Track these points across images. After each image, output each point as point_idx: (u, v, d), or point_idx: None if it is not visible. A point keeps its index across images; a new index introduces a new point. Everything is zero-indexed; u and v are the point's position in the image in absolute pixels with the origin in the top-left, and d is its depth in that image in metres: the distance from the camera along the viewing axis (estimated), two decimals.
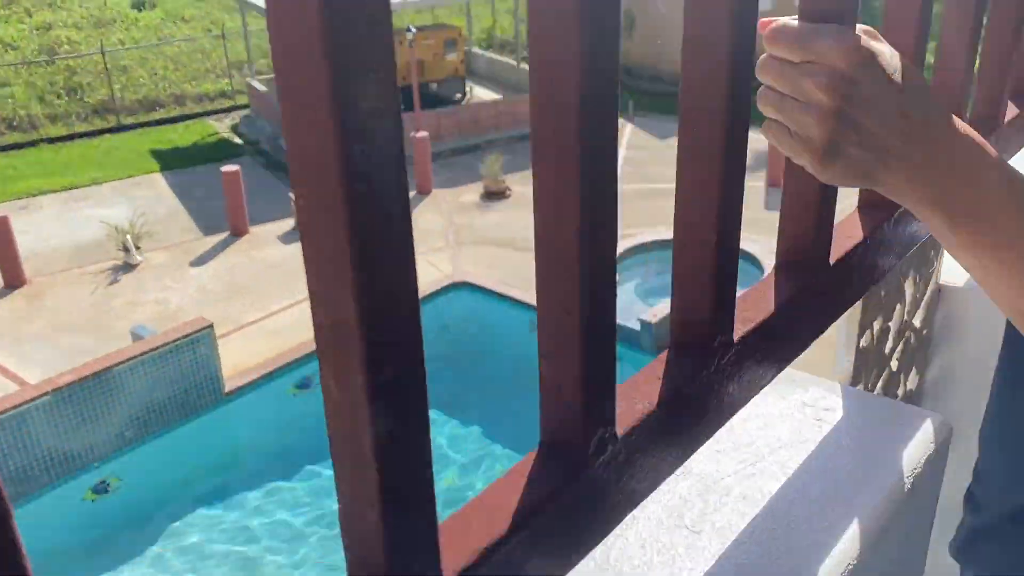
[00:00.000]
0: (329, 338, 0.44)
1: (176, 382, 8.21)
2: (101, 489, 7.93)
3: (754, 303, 0.83)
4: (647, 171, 14.11)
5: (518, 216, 12.58)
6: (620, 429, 0.65)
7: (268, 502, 7.72)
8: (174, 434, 8.21)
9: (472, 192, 13.54)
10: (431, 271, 10.82)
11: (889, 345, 1.16)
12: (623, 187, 13.42)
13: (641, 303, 9.64)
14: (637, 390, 0.69)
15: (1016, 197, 0.75)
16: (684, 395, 0.72)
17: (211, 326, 8.32)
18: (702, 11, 0.64)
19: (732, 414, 0.80)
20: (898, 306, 1.14)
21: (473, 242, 11.74)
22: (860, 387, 1.14)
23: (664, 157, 14.85)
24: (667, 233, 10.98)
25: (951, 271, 1.26)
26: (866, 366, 1.12)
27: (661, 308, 9.00)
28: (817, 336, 0.93)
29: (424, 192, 13.54)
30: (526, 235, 12.19)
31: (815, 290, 0.88)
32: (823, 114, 0.73)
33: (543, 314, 0.60)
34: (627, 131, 16.34)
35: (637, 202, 12.74)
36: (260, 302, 10.19)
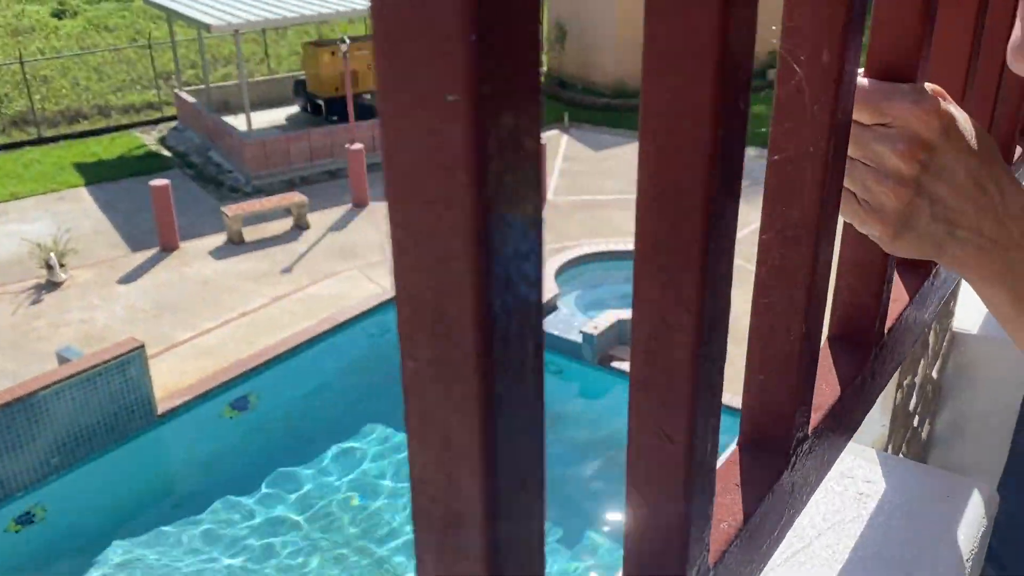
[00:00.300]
0: (439, 532, 0.34)
1: (105, 406, 7.87)
2: (26, 520, 7.55)
3: (819, 386, 0.75)
4: (584, 183, 14.15)
5: None
6: (712, 557, 0.57)
7: (205, 527, 7.44)
8: (104, 460, 7.87)
9: None
10: (370, 287, 10.65)
11: (913, 402, 1.11)
12: (560, 199, 13.44)
13: (582, 315, 9.63)
14: (717, 505, 0.61)
15: None
16: (769, 504, 0.64)
17: (142, 347, 8.01)
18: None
19: (803, 509, 0.73)
20: (922, 360, 1.09)
21: None
22: (891, 450, 1.09)
23: (600, 169, 14.92)
24: (605, 245, 11.03)
25: (964, 318, 1.22)
26: (895, 427, 1.07)
27: (602, 320, 8.99)
28: (871, 409, 0.87)
29: (360, 205, 13.34)
30: None
31: (873, 363, 0.81)
32: (899, 183, 0.67)
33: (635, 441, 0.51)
34: (563, 143, 16.39)
35: (575, 214, 12.76)
36: (192, 320, 9.87)
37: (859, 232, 0.72)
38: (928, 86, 0.69)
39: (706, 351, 0.48)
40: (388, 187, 0.30)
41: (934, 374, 1.16)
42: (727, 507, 0.61)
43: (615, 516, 7.36)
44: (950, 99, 0.70)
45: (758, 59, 20.57)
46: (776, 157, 0.55)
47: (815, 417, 0.71)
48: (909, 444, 1.13)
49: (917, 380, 1.10)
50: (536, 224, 0.31)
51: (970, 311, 1.21)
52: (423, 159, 0.29)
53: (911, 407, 1.11)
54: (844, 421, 0.78)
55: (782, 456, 0.66)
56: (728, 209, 0.45)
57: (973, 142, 0.69)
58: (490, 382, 0.31)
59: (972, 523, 0.91)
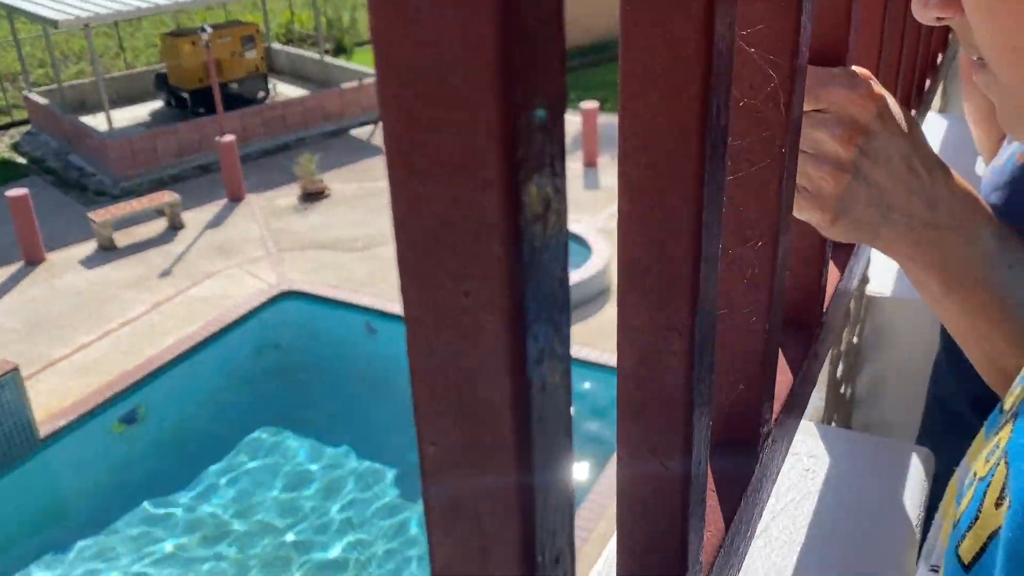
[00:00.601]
0: None
1: None
2: None
3: (777, 377, 0.75)
4: None
5: (340, 215, 12.23)
6: (703, 572, 0.55)
7: (103, 549, 7.10)
8: None
9: (288, 194, 13.04)
10: (253, 283, 10.34)
11: (840, 369, 1.13)
12: None
13: None
14: None
15: (1007, 254, 0.72)
16: (744, 506, 0.63)
17: (15, 368, 7.54)
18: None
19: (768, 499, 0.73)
20: (846, 329, 1.11)
21: (295, 247, 11.31)
22: (826, 420, 1.11)
23: None
24: None
25: (877, 282, 1.25)
26: (828, 397, 1.09)
27: None
28: (814, 387, 0.88)
29: (236, 199, 12.90)
30: (351, 234, 11.91)
31: (817, 344, 0.82)
32: (837, 168, 0.67)
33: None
34: None
35: None
36: (68, 335, 9.36)
37: (798, 219, 0.71)
38: (856, 69, 0.69)
39: (699, 373, 0.46)
40: (401, 260, 0.27)
41: (855, 339, 1.20)
42: (709, 516, 0.60)
43: None
44: (877, 81, 0.70)
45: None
46: (753, 169, 0.53)
47: (776, 408, 0.70)
48: (838, 410, 1.16)
49: (843, 348, 1.13)
50: (566, 294, 0.28)
51: (882, 274, 1.25)
52: (447, 228, 0.25)
53: (838, 375, 1.14)
54: (798, 405, 0.78)
55: (752, 454, 0.65)
56: (715, 226, 0.43)
57: (904, 125, 0.70)
58: (528, 466, 0.28)
59: (916, 487, 0.94)
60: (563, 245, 0.27)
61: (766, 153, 0.55)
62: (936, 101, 2.11)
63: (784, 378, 0.74)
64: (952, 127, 1.86)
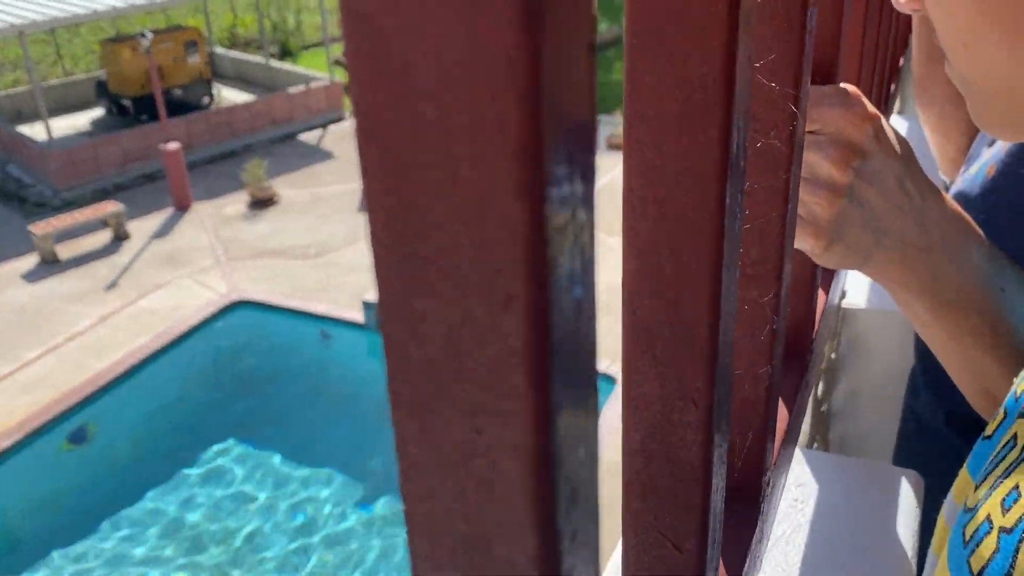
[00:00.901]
0: None
1: None
2: None
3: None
4: None
5: (290, 222, 12.05)
6: None
7: (53, 573, 6.89)
8: None
9: (237, 202, 12.81)
10: (204, 293, 10.13)
11: (821, 388, 1.10)
12: None
13: None
14: None
15: (998, 277, 0.69)
16: (751, 559, 0.58)
17: None
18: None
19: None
20: (827, 345, 1.08)
21: (246, 256, 11.10)
22: (810, 443, 1.07)
23: None
24: None
25: (852, 294, 1.22)
26: (811, 418, 1.06)
27: None
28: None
29: (183, 207, 12.64)
30: (302, 241, 11.72)
31: (808, 372, 0.78)
32: (833, 192, 0.63)
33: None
34: None
35: None
36: (12, 352, 9.07)
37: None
38: (845, 87, 0.65)
39: (717, 444, 0.41)
40: (394, 389, 0.21)
41: (832, 355, 1.17)
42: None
43: None
44: (867, 99, 0.66)
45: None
46: (759, 220, 0.48)
47: (776, 450, 0.66)
48: (819, 430, 1.13)
49: (823, 366, 1.09)
50: (595, 427, 0.22)
51: (856, 286, 1.22)
52: (455, 353, 0.20)
53: (819, 395, 1.11)
54: (793, 439, 0.74)
55: (755, 505, 0.60)
56: (732, 282, 0.38)
57: (897, 145, 0.66)
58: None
59: (909, 515, 0.90)
60: (594, 370, 0.21)
61: (771, 189, 0.50)
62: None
63: (781, 414, 0.70)
64: (912, 129, 1.84)
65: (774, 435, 0.62)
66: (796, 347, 0.75)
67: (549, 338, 0.19)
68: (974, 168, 0.94)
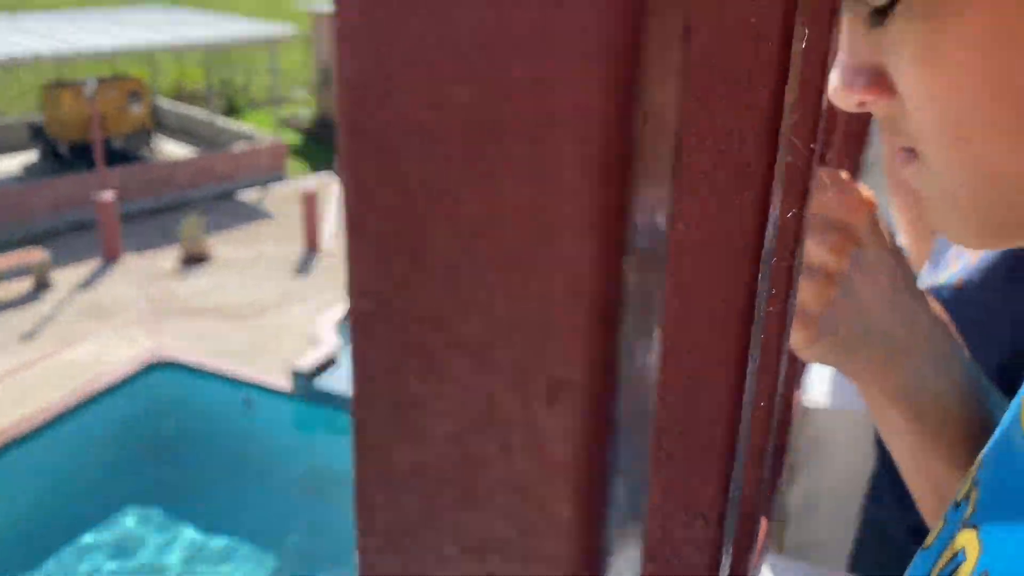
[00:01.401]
0: None
1: None
2: None
3: None
4: None
5: (223, 281, 11.79)
6: None
7: None
8: None
9: (169, 257, 12.51)
10: (126, 349, 9.77)
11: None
12: (338, 246, 13.12)
13: None
14: None
15: (979, 390, 0.65)
16: None
17: None
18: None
19: None
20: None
21: (175, 312, 10.79)
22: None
23: None
24: None
25: (813, 391, 1.18)
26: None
27: None
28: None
29: (112, 259, 12.29)
30: (234, 301, 11.45)
31: (783, 475, 0.72)
32: (827, 280, 0.58)
33: None
34: (337, 188, 16.08)
35: None
36: None
37: None
38: (838, 171, 0.61)
39: (723, 564, 0.34)
40: (363, 528, 0.14)
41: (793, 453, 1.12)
42: None
43: None
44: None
45: None
46: (770, 308, 0.43)
47: (755, 558, 0.59)
48: (777, 531, 1.07)
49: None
50: None
51: (818, 384, 1.18)
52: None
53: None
54: (767, 545, 0.67)
55: None
56: (753, 384, 0.32)
57: (888, 237, 0.62)
58: None
59: None
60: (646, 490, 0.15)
61: (777, 269, 0.44)
62: None
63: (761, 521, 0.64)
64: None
65: (757, 544, 0.55)
66: (776, 448, 0.69)
67: (608, 448, 0.13)
68: (942, 276, 0.90)
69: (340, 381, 8.84)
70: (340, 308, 10.29)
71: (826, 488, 1.19)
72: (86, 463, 8.33)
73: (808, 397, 1.17)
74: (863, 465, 1.16)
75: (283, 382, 9.01)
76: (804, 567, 0.89)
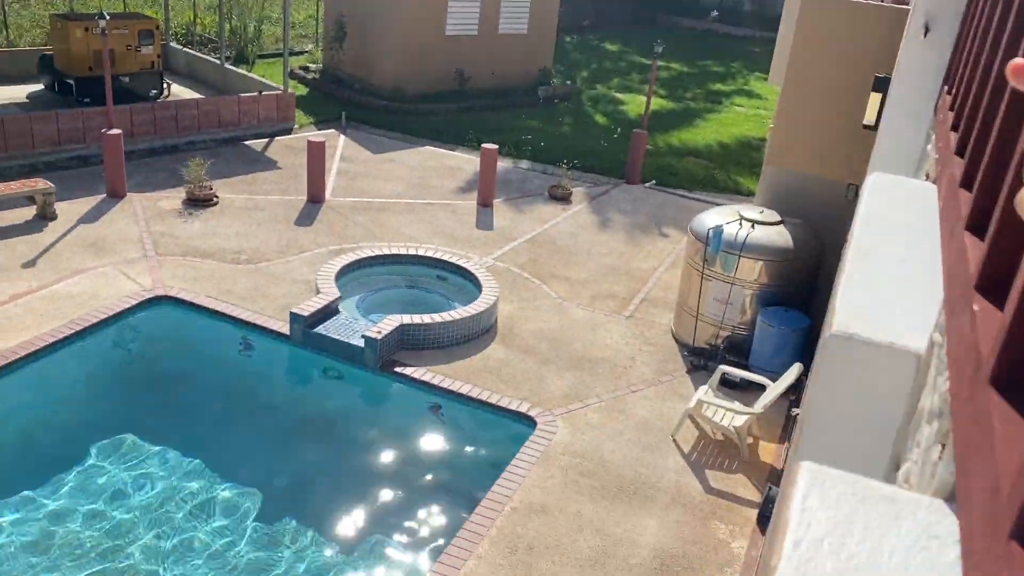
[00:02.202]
0: None
1: None
2: None
3: None
4: (363, 185, 13.94)
5: (225, 225, 11.84)
6: None
7: None
8: None
9: (173, 198, 12.54)
10: (127, 284, 9.84)
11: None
12: (338, 200, 13.14)
13: (364, 320, 9.45)
14: None
15: None
16: None
17: None
18: None
19: None
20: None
21: (176, 252, 10.84)
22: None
23: (379, 172, 14.78)
24: (386, 248, 10.91)
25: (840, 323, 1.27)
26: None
27: (385, 324, 8.87)
28: None
29: (116, 196, 12.31)
30: (235, 245, 11.49)
31: None
32: None
33: None
34: (340, 143, 16.07)
35: (354, 216, 12.53)
36: None
37: None
38: None
39: None
40: None
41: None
42: None
43: (399, 519, 7.26)
44: None
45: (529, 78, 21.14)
46: None
47: None
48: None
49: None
50: None
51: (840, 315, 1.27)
52: None
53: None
54: None
55: None
56: None
57: None
58: None
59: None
60: None
61: None
62: None
63: None
64: None
65: None
66: None
67: None
68: None
69: (336, 329, 8.94)
70: (338, 261, 10.36)
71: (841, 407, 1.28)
72: (81, 388, 8.44)
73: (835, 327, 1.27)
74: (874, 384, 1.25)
75: (281, 325, 9.11)
76: (846, 474, 0.99)
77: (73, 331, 8.69)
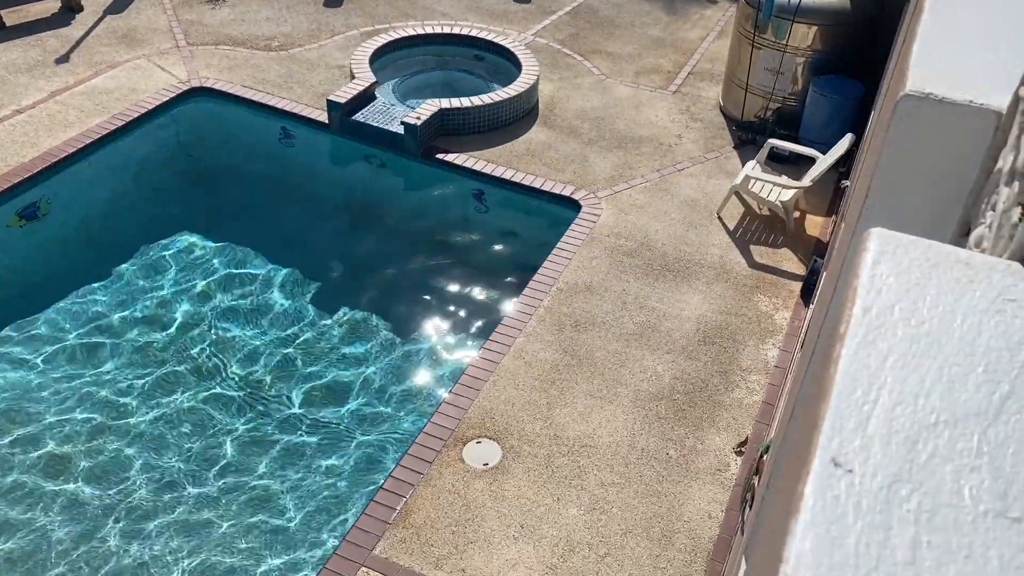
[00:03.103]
0: None
1: None
2: None
3: None
4: None
5: (254, 11, 11.44)
6: None
7: (4, 350, 6.91)
8: None
9: None
10: (163, 76, 9.69)
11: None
12: None
13: (401, 105, 9.27)
14: None
15: None
16: None
17: None
18: None
19: None
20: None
21: (207, 42, 10.57)
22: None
23: None
24: (420, 27, 10.51)
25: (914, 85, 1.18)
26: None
27: (424, 110, 8.70)
28: None
29: None
30: (266, 32, 11.16)
31: None
32: None
33: None
34: None
35: None
36: None
37: None
38: None
39: None
40: None
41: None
42: None
43: (448, 302, 7.49)
44: None
45: None
46: None
47: None
48: None
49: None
50: None
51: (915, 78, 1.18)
52: None
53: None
54: None
55: None
56: None
57: None
58: None
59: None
60: None
61: None
62: None
63: None
64: None
65: None
66: None
67: None
68: None
69: (374, 116, 8.81)
70: (371, 43, 10.03)
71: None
72: (130, 185, 8.57)
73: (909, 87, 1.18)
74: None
75: (319, 113, 8.99)
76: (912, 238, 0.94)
77: (116, 126, 8.70)
